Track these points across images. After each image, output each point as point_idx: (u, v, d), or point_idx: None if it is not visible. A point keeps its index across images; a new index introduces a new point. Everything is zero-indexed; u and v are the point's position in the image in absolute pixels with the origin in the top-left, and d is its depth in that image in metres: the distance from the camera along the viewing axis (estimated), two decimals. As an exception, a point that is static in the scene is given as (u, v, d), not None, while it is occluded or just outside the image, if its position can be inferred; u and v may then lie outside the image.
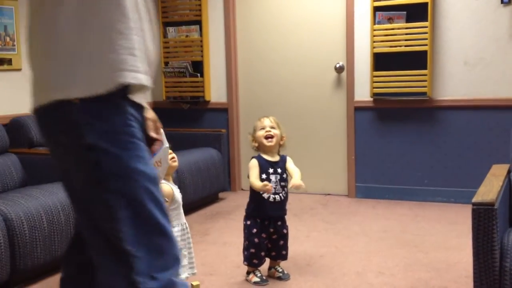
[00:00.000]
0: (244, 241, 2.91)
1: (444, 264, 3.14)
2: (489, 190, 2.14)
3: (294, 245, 3.47)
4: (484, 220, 1.97)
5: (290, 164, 2.92)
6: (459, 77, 4.39)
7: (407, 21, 4.42)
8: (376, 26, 4.49)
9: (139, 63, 1.33)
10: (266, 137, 2.86)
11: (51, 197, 3.11)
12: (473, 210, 2.00)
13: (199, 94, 5.20)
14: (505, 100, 4.26)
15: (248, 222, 2.89)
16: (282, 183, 2.88)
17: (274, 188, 2.82)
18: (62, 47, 1.27)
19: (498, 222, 1.99)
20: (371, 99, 4.63)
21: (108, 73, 1.28)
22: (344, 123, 4.82)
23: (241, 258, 3.29)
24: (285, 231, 2.96)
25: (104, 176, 1.30)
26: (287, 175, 2.91)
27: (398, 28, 4.44)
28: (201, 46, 5.13)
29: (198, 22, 5.12)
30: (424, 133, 4.54)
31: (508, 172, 2.58)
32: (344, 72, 4.78)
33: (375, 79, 4.54)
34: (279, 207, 2.90)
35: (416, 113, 4.54)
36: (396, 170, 4.65)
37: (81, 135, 1.29)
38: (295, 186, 2.80)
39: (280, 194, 2.87)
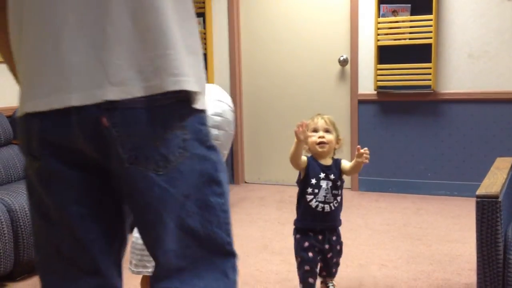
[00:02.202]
0: (296, 258, 2.44)
1: (447, 256, 3.15)
2: (493, 182, 2.14)
3: (297, 238, 3.50)
4: (488, 213, 1.97)
5: (346, 164, 2.46)
6: (463, 70, 4.38)
7: (412, 14, 4.40)
8: (381, 19, 4.47)
9: None
10: (319, 143, 2.43)
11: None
12: (477, 203, 1.99)
13: (202, 86, 5.19)
14: (509, 93, 4.25)
15: (298, 236, 2.43)
16: (335, 191, 2.41)
17: (324, 196, 2.39)
18: None
19: (502, 214, 1.98)
20: (375, 92, 4.62)
21: None
22: (347, 116, 4.82)
23: (244, 250, 3.31)
24: (338, 247, 2.50)
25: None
26: (341, 183, 2.45)
27: (403, 21, 4.42)
28: (205, 38, 5.12)
29: (202, 15, 5.10)
30: (427, 126, 4.54)
31: (512, 165, 2.58)
32: (348, 65, 4.77)
33: (379, 72, 4.53)
34: (329, 218, 2.43)
35: (420, 106, 4.53)
36: (399, 164, 4.65)
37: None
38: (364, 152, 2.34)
39: (331, 204, 2.40)
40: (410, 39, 4.41)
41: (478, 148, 4.39)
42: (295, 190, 2.48)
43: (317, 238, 2.41)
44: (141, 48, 1.10)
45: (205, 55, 5.13)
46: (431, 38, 4.32)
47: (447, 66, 4.42)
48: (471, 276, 2.81)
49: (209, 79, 5.14)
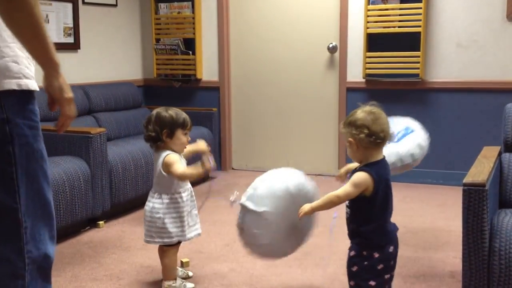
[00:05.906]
0: None
1: (433, 244, 3.17)
2: (480, 171, 2.15)
3: (284, 224, 3.50)
4: (474, 201, 1.98)
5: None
6: (452, 59, 4.38)
7: (401, 1, 4.39)
8: (370, 6, 4.45)
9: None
10: None
11: (57, 169, 3.22)
12: (464, 191, 2.00)
13: (190, 72, 5.15)
14: (496, 82, 4.27)
15: None
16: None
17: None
18: None
19: (489, 203, 1.99)
20: (364, 80, 4.61)
21: None
22: (336, 104, 4.81)
23: (230, 236, 3.31)
24: (354, 268, 2.08)
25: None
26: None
27: (392, 9, 4.41)
28: (193, 23, 5.07)
29: (191, -1, 5.06)
30: (415, 114, 4.49)
31: (499, 154, 2.59)
32: (337, 52, 4.75)
33: (368, 60, 4.53)
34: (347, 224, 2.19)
35: (408, 94, 4.53)
36: (386, 152, 4.65)
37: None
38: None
39: (346, 211, 2.18)
40: (399, 27, 4.41)
41: (465, 137, 4.41)
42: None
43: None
44: None
45: (193, 40, 5.10)
46: (420, 26, 4.32)
47: (435, 55, 4.42)
48: (456, 264, 2.84)
49: (197, 65, 5.10)
